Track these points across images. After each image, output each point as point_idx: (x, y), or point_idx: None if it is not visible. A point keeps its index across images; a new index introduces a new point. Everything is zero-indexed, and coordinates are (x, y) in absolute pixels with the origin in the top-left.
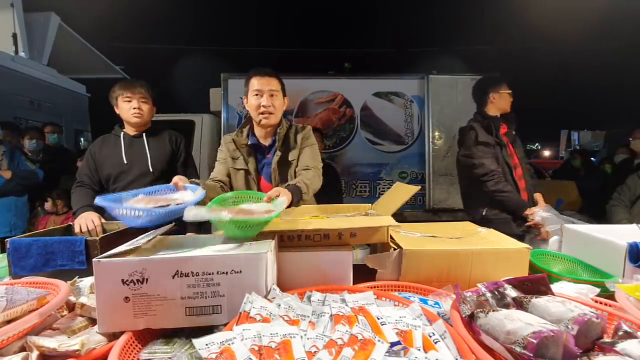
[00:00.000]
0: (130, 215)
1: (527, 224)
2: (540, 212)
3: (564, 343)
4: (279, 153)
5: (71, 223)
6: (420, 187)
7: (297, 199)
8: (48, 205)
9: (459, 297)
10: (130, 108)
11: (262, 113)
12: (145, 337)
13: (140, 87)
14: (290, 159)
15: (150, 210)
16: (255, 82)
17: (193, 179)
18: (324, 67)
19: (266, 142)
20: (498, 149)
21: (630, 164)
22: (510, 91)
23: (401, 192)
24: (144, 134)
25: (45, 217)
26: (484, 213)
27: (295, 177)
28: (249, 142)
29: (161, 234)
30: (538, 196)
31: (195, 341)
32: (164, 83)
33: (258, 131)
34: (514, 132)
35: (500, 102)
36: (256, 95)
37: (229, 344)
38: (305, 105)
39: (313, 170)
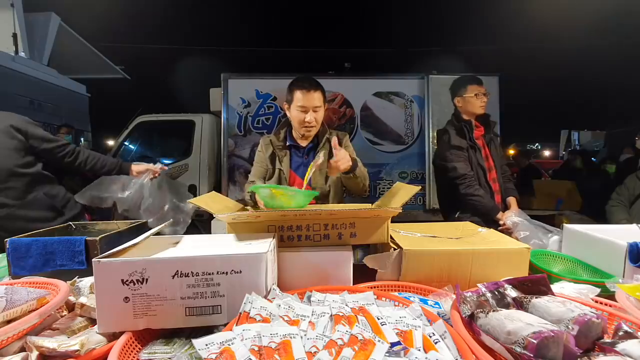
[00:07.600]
0: None
1: (499, 228)
2: (512, 217)
3: (564, 343)
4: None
5: (71, 223)
6: (420, 187)
7: (355, 166)
8: None
9: (459, 297)
10: None
11: (305, 127)
12: (145, 337)
13: None
14: None
15: None
16: (300, 97)
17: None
18: (324, 67)
19: (304, 144)
20: (472, 152)
21: (634, 163)
22: (477, 93)
23: (401, 192)
24: None
25: None
26: (456, 215)
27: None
28: (287, 144)
29: (161, 234)
30: (511, 200)
31: (195, 341)
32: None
33: (297, 134)
34: (497, 135)
35: (465, 106)
36: (302, 111)
37: (228, 344)
38: None
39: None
